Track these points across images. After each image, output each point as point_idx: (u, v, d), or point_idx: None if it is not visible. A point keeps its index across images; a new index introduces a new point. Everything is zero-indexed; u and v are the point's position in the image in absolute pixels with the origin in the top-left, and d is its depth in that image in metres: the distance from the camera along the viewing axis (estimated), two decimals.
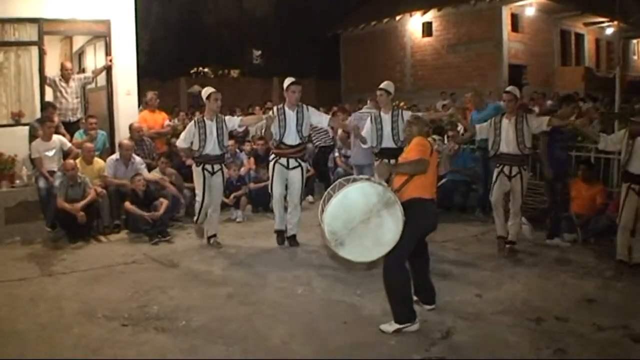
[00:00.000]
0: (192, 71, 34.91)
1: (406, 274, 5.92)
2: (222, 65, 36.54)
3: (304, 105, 9.02)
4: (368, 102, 11.61)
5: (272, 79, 31.81)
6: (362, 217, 5.59)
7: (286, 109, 8.83)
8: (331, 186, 5.99)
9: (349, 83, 33.20)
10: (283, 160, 8.88)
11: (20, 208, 10.11)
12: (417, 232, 5.99)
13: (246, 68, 35.95)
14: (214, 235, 9.27)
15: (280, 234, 9.18)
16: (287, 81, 9.00)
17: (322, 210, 5.72)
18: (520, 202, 8.72)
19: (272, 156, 9.06)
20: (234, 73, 36.36)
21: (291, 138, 8.80)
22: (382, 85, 9.45)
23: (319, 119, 9.28)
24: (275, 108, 9.04)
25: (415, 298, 6.46)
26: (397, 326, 5.81)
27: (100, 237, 9.83)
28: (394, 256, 5.74)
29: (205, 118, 8.98)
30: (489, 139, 8.87)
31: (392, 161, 7.45)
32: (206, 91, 9.13)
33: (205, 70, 36.73)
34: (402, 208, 5.70)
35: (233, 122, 9.37)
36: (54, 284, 7.54)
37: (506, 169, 8.63)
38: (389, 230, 5.61)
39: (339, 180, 6.01)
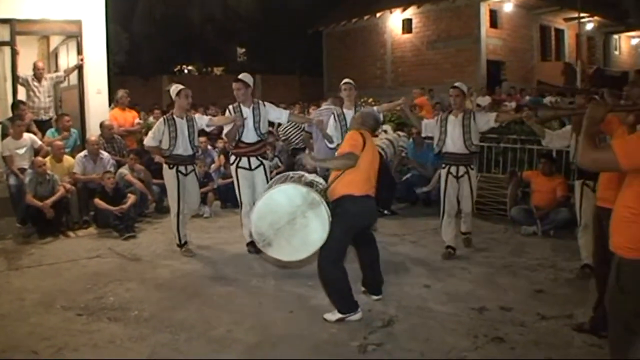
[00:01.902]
0: (175, 69, 35.02)
1: (340, 270, 6.00)
2: (206, 63, 36.63)
3: (260, 102, 8.67)
4: (329, 99, 11.60)
5: (255, 76, 31.96)
6: (287, 218, 5.78)
7: (242, 107, 8.47)
8: (268, 184, 6.21)
9: (332, 80, 33.35)
10: (244, 162, 8.50)
11: None
12: (349, 229, 6.07)
13: (230, 66, 36.07)
14: (186, 243, 8.86)
15: (252, 245, 8.28)
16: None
17: None
18: (470, 203, 8.56)
19: (233, 158, 8.64)
20: (218, 71, 36.47)
21: (249, 136, 8.45)
22: (347, 80, 9.26)
23: (278, 114, 8.95)
24: (231, 107, 8.64)
25: (362, 289, 6.69)
26: (340, 315, 5.98)
27: (69, 233, 9.95)
28: (325, 254, 5.90)
29: (175, 116, 8.56)
30: (434, 137, 8.59)
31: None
32: (175, 88, 8.71)
33: (189, 68, 36.86)
34: (334, 205, 5.91)
35: (202, 121, 8.98)
36: (19, 277, 7.72)
37: (453, 169, 8.36)
38: (314, 230, 5.78)
39: (275, 177, 6.21)
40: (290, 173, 6.47)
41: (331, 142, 8.89)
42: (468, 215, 8.67)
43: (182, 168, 8.61)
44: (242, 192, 8.53)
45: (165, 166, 8.71)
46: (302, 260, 6.19)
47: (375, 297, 6.60)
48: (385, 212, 11.02)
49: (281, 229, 5.81)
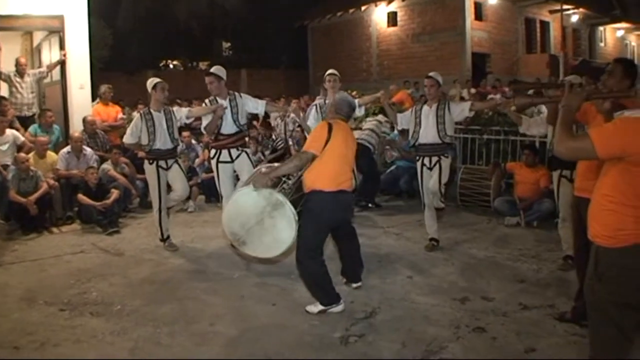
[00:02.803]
0: (160, 64, 34.92)
1: (318, 264, 5.98)
2: (192, 58, 36.58)
3: (236, 93, 8.58)
4: (321, 92, 11.49)
5: (240, 70, 31.94)
6: (255, 218, 5.84)
7: (218, 100, 8.41)
8: (248, 178, 6.24)
9: (317, 73, 33.34)
10: (225, 155, 8.41)
11: None
12: (320, 224, 6.01)
13: (215, 60, 35.92)
14: (168, 237, 8.84)
15: None
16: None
17: None
18: (437, 184, 8.12)
19: (213, 152, 8.56)
20: (203, 65, 36.41)
21: (228, 128, 8.37)
22: (332, 71, 9.12)
23: (255, 104, 8.76)
24: (207, 101, 8.60)
25: (343, 280, 6.71)
26: (322, 307, 6.01)
27: (53, 229, 9.93)
28: (300, 250, 5.92)
29: (151, 110, 8.48)
30: (409, 129, 8.48)
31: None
32: (151, 81, 8.62)
33: (175, 63, 36.77)
34: (305, 199, 5.94)
35: (181, 113, 8.86)
36: (1, 273, 7.69)
37: (426, 161, 8.23)
38: (283, 229, 5.80)
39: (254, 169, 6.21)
40: (262, 168, 6.51)
41: (309, 132, 8.79)
42: (435, 194, 8.24)
43: (162, 163, 8.55)
44: (223, 186, 8.48)
45: (145, 162, 8.69)
46: (278, 256, 6.22)
47: (354, 285, 6.63)
48: (370, 204, 11.04)
49: (252, 229, 5.87)
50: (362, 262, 6.78)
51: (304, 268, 6.03)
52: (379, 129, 11.44)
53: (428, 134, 8.13)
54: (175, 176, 8.75)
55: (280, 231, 5.81)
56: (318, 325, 5.80)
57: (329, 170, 5.93)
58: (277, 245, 5.89)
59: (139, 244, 9.01)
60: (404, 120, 8.57)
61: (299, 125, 12.90)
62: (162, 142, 8.47)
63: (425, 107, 8.24)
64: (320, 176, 5.92)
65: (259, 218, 5.81)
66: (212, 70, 8.49)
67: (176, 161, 8.81)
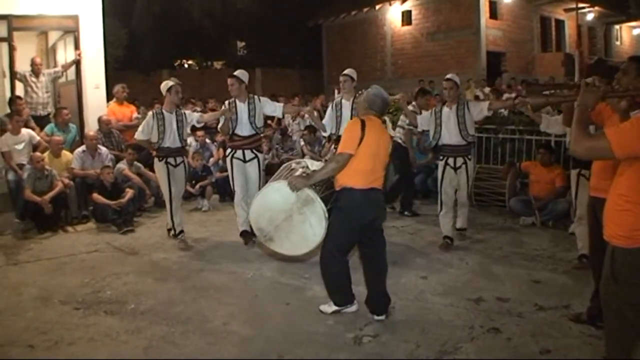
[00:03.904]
0: (175, 64, 34.95)
1: (340, 265, 5.85)
2: (206, 57, 36.58)
3: (256, 97, 8.83)
4: (335, 92, 11.44)
5: (255, 69, 31.93)
6: (284, 214, 5.81)
7: (237, 101, 8.64)
8: (273, 176, 6.23)
9: (332, 72, 33.29)
10: (239, 154, 8.70)
11: None
12: (349, 223, 5.73)
13: (230, 59, 35.95)
14: (182, 232, 8.97)
15: (246, 234, 8.74)
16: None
17: None
18: (466, 193, 8.49)
19: (228, 150, 8.87)
20: (218, 65, 36.40)
21: (244, 129, 8.61)
22: (345, 72, 9.17)
23: (273, 107, 9.01)
24: (227, 102, 8.78)
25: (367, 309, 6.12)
26: (336, 308, 5.98)
27: (68, 228, 9.97)
28: (326, 248, 5.82)
29: (164, 110, 8.75)
30: (430, 130, 8.51)
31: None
32: (166, 84, 8.85)
33: (189, 62, 36.80)
34: (336, 196, 5.81)
35: (192, 117, 9.20)
36: (17, 272, 7.74)
37: (450, 161, 8.30)
38: (312, 226, 5.76)
39: (281, 167, 6.19)
40: (292, 164, 6.47)
41: (324, 130, 9.20)
42: (464, 206, 8.61)
43: (171, 160, 8.81)
44: (236, 181, 8.72)
45: (155, 159, 8.92)
46: (305, 254, 6.20)
47: (377, 317, 5.92)
48: (405, 212, 10.73)
49: (280, 225, 5.84)
50: (387, 292, 6.10)
51: (326, 266, 5.90)
52: (404, 122, 11.23)
53: (451, 135, 8.21)
54: (179, 175, 9.00)
55: (308, 228, 5.78)
56: (332, 325, 5.79)
57: (362, 168, 5.67)
58: (305, 243, 5.87)
59: (153, 243, 9.04)
60: (423, 121, 8.62)
61: (306, 127, 12.89)
62: (172, 141, 8.75)
63: (445, 109, 8.29)
64: (352, 173, 5.67)
65: (288, 214, 5.79)
66: (235, 73, 8.72)
67: (183, 161, 9.07)
